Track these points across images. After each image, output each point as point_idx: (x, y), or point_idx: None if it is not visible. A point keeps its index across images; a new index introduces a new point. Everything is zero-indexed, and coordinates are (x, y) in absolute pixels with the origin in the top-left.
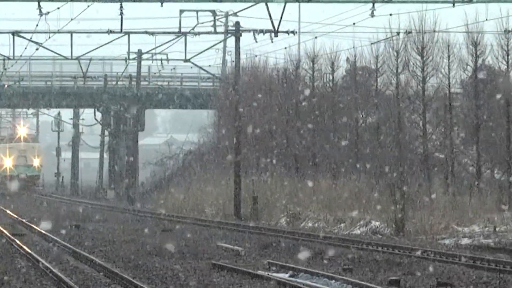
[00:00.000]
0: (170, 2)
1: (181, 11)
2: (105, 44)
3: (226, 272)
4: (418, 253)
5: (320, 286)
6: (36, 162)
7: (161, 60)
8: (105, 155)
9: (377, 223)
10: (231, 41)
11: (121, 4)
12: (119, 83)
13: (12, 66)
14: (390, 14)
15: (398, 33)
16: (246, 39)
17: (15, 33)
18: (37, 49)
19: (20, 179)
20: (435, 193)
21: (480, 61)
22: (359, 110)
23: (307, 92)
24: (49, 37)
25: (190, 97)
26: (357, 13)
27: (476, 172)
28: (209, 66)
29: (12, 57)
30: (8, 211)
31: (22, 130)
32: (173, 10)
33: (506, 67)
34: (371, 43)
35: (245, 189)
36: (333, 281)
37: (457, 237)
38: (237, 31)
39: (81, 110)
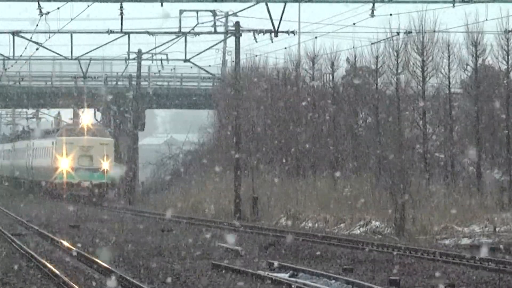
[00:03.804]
0: (170, 2)
1: (181, 11)
2: (105, 44)
3: (226, 272)
4: (418, 253)
5: (320, 286)
6: (105, 165)
7: (161, 60)
8: None
9: (377, 223)
10: (231, 41)
11: (121, 4)
12: (119, 83)
13: (12, 66)
14: (390, 14)
15: (398, 33)
16: (246, 39)
17: (15, 33)
18: (37, 49)
19: (82, 188)
20: (435, 193)
21: (480, 61)
22: (359, 110)
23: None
24: (49, 37)
25: (190, 97)
26: (357, 13)
27: (476, 172)
28: (209, 66)
29: (12, 57)
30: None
31: (86, 119)
32: (173, 10)
33: (506, 67)
34: (371, 43)
35: (245, 189)
36: (333, 281)
37: (457, 237)
38: (237, 31)
39: (81, 110)
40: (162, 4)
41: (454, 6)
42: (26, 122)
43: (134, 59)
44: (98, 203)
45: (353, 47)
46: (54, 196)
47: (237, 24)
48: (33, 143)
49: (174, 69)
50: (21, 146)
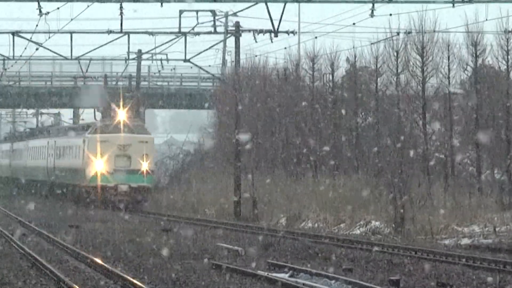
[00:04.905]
0: (170, 2)
1: (181, 11)
2: (105, 44)
3: (226, 272)
4: (418, 253)
5: (320, 286)
6: (145, 166)
7: (161, 60)
8: None
9: (377, 223)
10: (231, 41)
11: (121, 4)
12: (119, 83)
13: (12, 66)
14: (390, 14)
15: (398, 33)
16: (246, 39)
17: (15, 33)
18: (37, 49)
19: (119, 192)
20: (435, 193)
21: (480, 61)
22: (359, 110)
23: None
24: (49, 37)
25: (190, 97)
26: (357, 13)
27: (476, 172)
28: (209, 66)
29: (12, 57)
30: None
31: (122, 114)
32: (173, 10)
33: (506, 67)
34: (371, 43)
35: (245, 189)
36: (333, 281)
37: (457, 237)
38: (237, 31)
39: (81, 110)
40: (162, 4)
41: (454, 6)
42: (40, 118)
43: (134, 59)
44: (137, 209)
45: (353, 47)
46: (81, 201)
47: (237, 24)
48: (55, 142)
49: (174, 69)
50: (38, 145)
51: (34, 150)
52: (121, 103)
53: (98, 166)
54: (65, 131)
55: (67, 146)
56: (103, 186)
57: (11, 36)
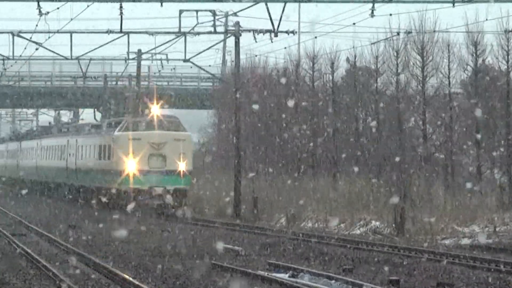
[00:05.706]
0: (170, 2)
1: (181, 11)
2: (105, 44)
3: (226, 272)
4: (418, 253)
5: (320, 286)
6: (182, 166)
7: (161, 60)
8: None
9: (377, 223)
10: (231, 41)
11: (121, 4)
12: (119, 83)
13: (12, 66)
14: (390, 14)
15: (398, 33)
16: (246, 39)
17: (15, 33)
18: (37, 49)
19: (153, 196)
20: (435, 193)
21: (480, 61)
22: (359, 110)
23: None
24: (49, 37)
25: (190, 97)
26: (357, 13)
27: (476, 172)
28: (209, 66)
29: (12, 57)
30: None
31: (156, 109)
32: (173, 10)
33: (506, 67)
34: (371, 43)
35: (245, 189)
36: (333, 281)
37: (457, 237)
38: (237, 31)
39: (80, 110)
40: (162, 4)
41: (454, 6)
42: (54, 114)
43: (134, 59)
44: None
45: (353, 47)
46: (109, 205)
47: (237, 24)
48: (76, 141)
49: (174, 69)
50: (54, 144)
51: (49, 150)
52: (154, 98)
53: (130, 167)
54: (88, 128)
55: (92, 145)
56: (136, 189)
57: (11, 36)
